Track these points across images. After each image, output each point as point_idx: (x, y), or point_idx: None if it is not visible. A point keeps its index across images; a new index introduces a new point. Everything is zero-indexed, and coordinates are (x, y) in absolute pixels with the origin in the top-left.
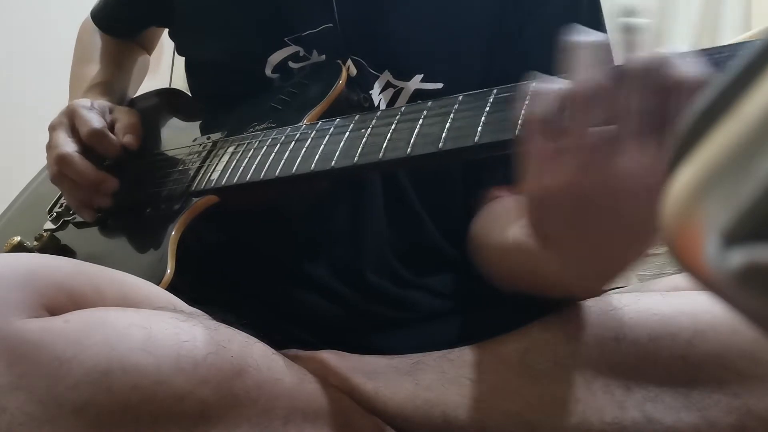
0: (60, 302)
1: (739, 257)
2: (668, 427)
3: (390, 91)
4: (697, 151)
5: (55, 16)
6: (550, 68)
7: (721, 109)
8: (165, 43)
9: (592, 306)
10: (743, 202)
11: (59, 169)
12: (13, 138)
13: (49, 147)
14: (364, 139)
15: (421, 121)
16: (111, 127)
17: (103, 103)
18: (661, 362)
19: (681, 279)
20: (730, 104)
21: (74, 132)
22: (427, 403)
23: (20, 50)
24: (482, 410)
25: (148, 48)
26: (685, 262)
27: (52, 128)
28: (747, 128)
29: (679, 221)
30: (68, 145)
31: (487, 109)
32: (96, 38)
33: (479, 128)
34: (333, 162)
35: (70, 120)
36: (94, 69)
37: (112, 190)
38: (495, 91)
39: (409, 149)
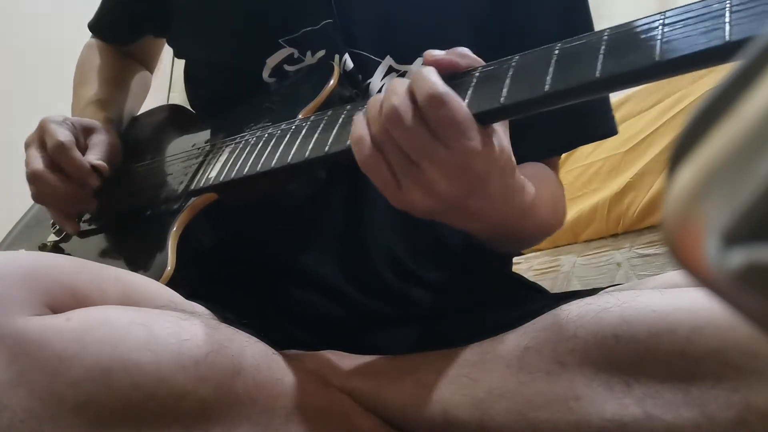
0: (62, 300)
1: (739, 257)
2: (668, 423)
3: (393, 76)
4: (697, 152)
5: (67, 22)
6: (541, 44)
7: (722, 109)
8: (165, 49)
9: (591, 303)
10: (743, 202)
11: (33, 186)
12: (19, 154)
13: (25, 165)
14: None
15: None
16: (84, 148)
17: (82, 121)
18: (661, 358)
19: (678, 276)
20: (730, 104)
21: (44, 147)
22: (428, 402)
23: (28, 68)
24: (482, 409)
25: (149, 65)
26: (685, 263)
27: (26, 146)
28: (747, 128)
29: (679, 221)
30: (37, 161)
31: (474, 82)
32: (95, 60)
33: (466, 102)
34: (326, 148)
35: (41, 135)
36: (91, 88)
37: (92, 194)
38: (479, 68)
39: None
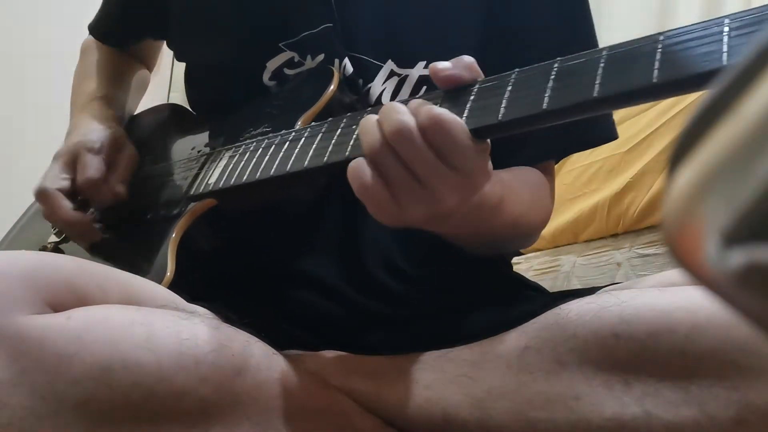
0: (63, 299)
1: (739, 257)
2: (668, 421)
3: (395, 80)
4: (697, 151)
5: (68, 20)
6: (542, 53)
7: (722, 109)
8: (165, 50)
9: (591, 303)
10: (743, 202)
11: (41, 202)
12: (20, 154)
13: (44, 176)
14: (356, 134)
15: None
16: (112, 164)
17: (113, 139)
18: (660, 357)
19: (677, 274)
20: (730, 104)
21: (72, 170)
22: (428, 402)
23: (29, 67)
24: (482, 408)
25: (149, 64)
26: (685, 263)
27: (55, 158)
28: (747, 128)
29: (679, 221)
30: (54, 181)
31: (472, 97)
32: (97, 55)
33: (464, 117)
34: (325, 158)
35: (73, 157)
36: (94, 84)
37: (86, 231)
38: (478, 83)
39: None
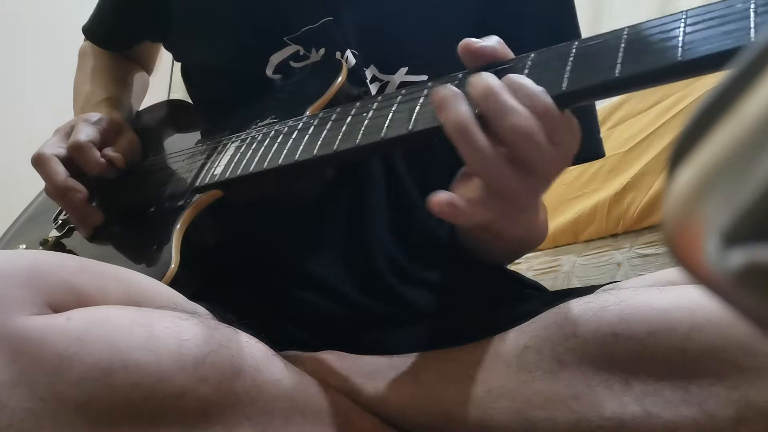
0: (63, 299)
1: (739, 257)
2: (667, 420)
3: (376, 85)
4: (698, 151)
5: (69, 20)
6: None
7: (722, 109)
8: (164, 50)
9: (590, 302)
10: (744, 202)
11: (37, 167)
12: (20, 150)
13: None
14: (366, 121)
15: (422, 99)
16: (111, 144)
17: (113, 120)
18: (660, 356)
19: (676, 273)
20: (730, 104)
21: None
22: (428, 401)
23: (30, 66)
24: (482, 408)
25: (147, 67)
26: (685, 262)
27: (55, 132)
28: (747, 128)
29: (679, 221)
30: (51, 148)
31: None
32: (98, 58)
33: None
34: (335, 146)
35: (71, 128)
36: (97, 85)
37: (79, 202)
38: (493, 67)
39: (410, 125)
